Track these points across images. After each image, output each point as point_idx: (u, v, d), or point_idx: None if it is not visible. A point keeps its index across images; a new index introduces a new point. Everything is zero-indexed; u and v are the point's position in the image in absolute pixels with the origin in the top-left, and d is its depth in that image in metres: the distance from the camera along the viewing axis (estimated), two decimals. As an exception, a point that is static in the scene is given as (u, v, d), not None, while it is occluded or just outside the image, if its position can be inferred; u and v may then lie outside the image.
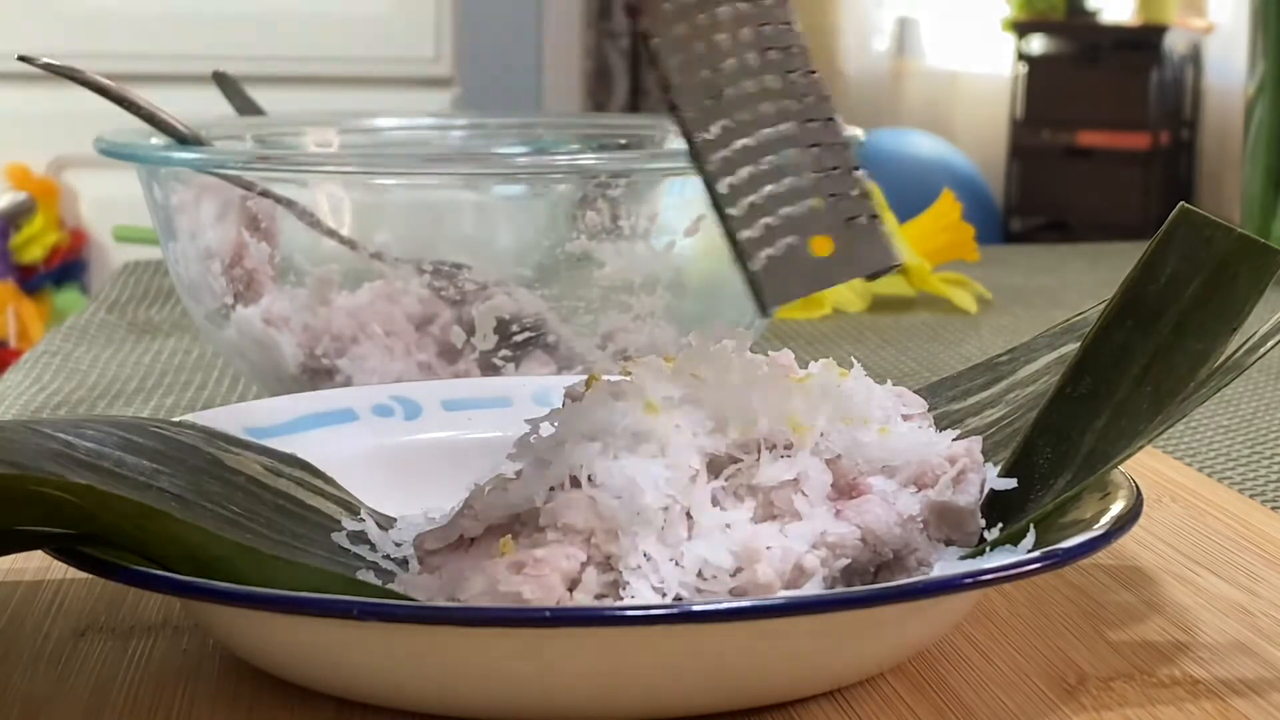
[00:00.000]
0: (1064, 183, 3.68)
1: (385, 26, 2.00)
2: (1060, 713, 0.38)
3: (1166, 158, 3.67)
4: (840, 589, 0.39)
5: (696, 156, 0.37)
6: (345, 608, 0.34)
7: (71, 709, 0.38)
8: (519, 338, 0.61)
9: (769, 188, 0.37)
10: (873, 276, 0.39)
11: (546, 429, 0.42)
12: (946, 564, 0.40)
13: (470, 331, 0.61)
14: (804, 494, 0.40)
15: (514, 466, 0.41)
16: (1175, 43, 3.68)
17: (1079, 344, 0.45)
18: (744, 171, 0.37)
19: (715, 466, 0.40)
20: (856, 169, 0.39)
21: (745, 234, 0.36)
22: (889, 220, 0.93)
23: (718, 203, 0.37)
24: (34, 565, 0.46)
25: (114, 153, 0.63)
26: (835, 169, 0.38)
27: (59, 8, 1.96)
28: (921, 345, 0.83)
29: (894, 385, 0.45)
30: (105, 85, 0.62)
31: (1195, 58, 3.76)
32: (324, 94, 1.91)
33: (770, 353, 0.45)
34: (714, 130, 0.37)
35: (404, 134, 0.80)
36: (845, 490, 0.41)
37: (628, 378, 0.42)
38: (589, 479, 0.39)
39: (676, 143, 0.76)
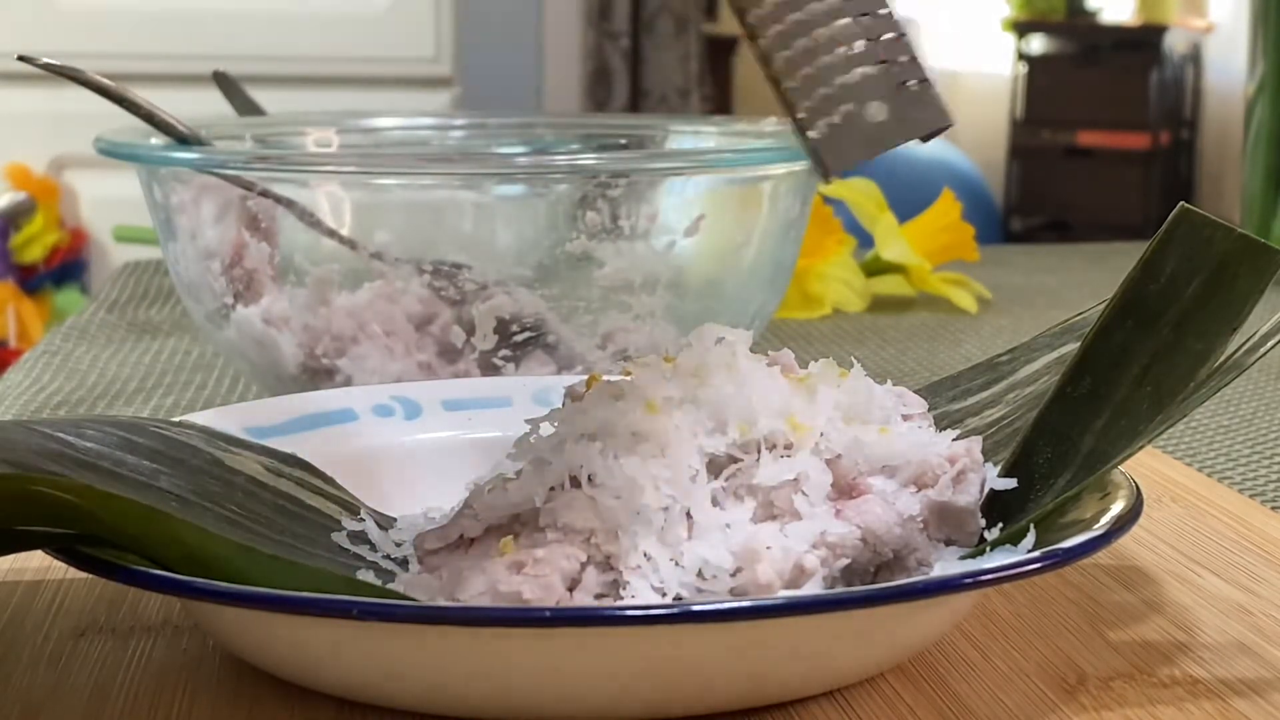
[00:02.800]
0: (1064, 183, 3.69)
1: (385, 26, 2.01)
2: (1060, 713, 0.38)
3: (1166, 158, 3.67)
4: (840, 589, 0.39)
5: (752, 34, 0.37)
6: (345, 608, 0.34)
7: (71, 709, 0.38)
8: (519, 338, 0.61)
9: (823, 58, 0.38)
10: (928, 137, 0.40)
11: (546, 429, 0.42)
12: (946, 564, 0.40)
13: (470, 331, 0.61)
14: (804, 494, 0.40)
15: (514, 466, 0.41)
16: (1175, 43, 3.68)
17: (1079, 344, 0.45)
18: (798, 44, 0.38)
19: (715, 466, 0.40)
20: (904, 34, 0.39)
21: (804, 105, 0.37)
22: (888, 220, 0.93)
23: (775, 77, 0.37)
24: (34, 565, 0.46)
25: (114, 153, 0.63)
26: (884, 35, 0.39)
27: (59, 8, 1.96)
28: (921, 345, 0.83)
29: (894, 385, 0.45)
30: (105, 85, 0.62)
31: (1195, 58, 3.76)
32: (324, 94, 1.91)
33: (770, 353, 0.45)
34: (766, 6, 0.37)
35: (404, 134, 0.80)
36: (845, 490, 0.41)
37: (628, 378, 0.42)
38: (589, 479, 0.39)
39: (677, 143, 0.76)
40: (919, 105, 0.39)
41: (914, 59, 0.39)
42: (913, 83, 0.39)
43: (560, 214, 0.61)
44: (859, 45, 0.38)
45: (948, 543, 0.42)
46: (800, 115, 0.37)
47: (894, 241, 0.93)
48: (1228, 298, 0.43)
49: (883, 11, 0.39)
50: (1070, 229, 3.59)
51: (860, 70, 0.38)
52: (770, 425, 0.41)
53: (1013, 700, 0.38)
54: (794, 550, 0.38)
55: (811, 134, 0.37)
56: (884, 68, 0.39)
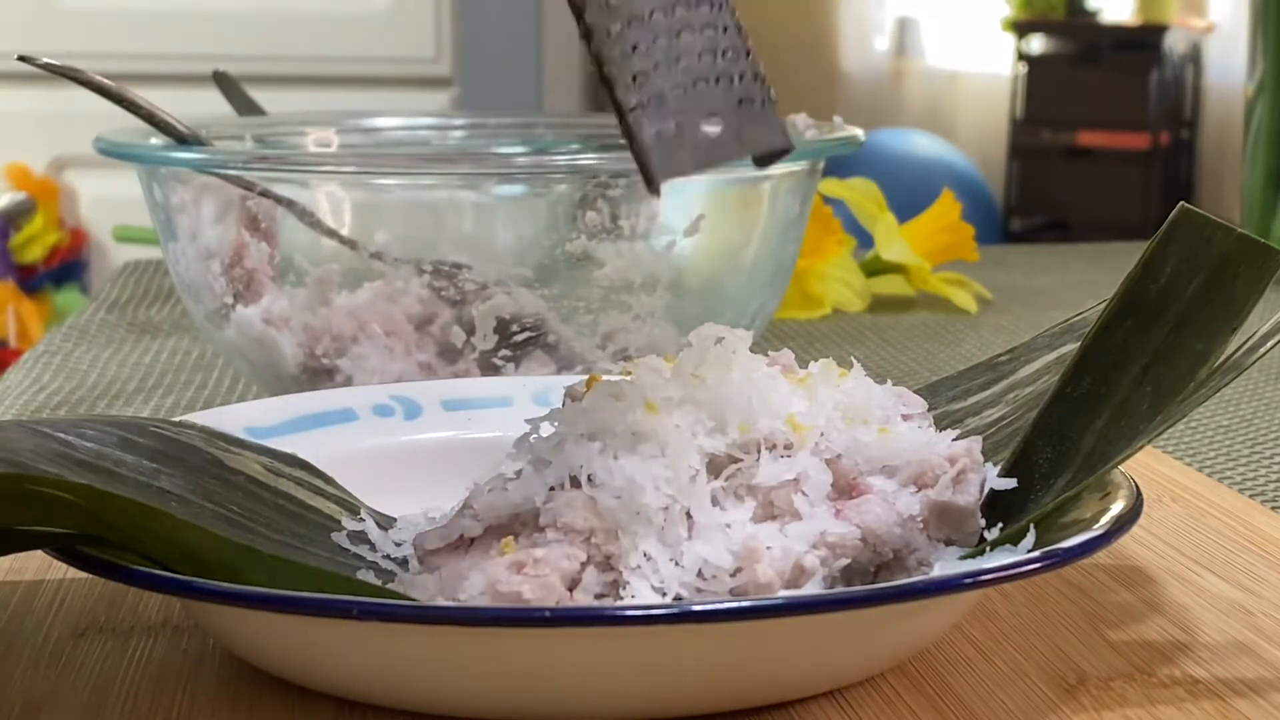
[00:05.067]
0: (1064, 183, 3.69)
1: (385, 26, 2.01)
2: (1060, 713, 0.38)
3: (1166, 158, 3.67)
4: (840, 589, 0.39)
5: (587, 33, 0.35)
6: (345, 608, 0.34)
7: (71, 709, 0.38)
8: (519, 338, 0.61)
9: (662, 67, 0.36)
10: (762, 161, 0.38)
11: (546, 429, 0.42)
12: (946, 564, 0.40)
13: (470, 331, 0.61)
14: (804, 494, 0.40)
15: (514, 466, 0.41)
16: (1175, 43, 3.68)
17: (1079, 344, 0.45)
18: (639, 49, 0.36)
19: (715, 466, 0.40)
20: (751, 52, 0.38)
21: (636, 110, 0.35)
22: (888, 220, 0.93)
23: (608, 77, 0.35)
24: (34, 565, 0.46)
25: (114, 153, 0.63)
26: (729, 51, 0.38)
27: (59, 8, 1.96)
28: (921, 345, 0.83)
29: (894, 385, 0.45)
30: (105, 85, 0.62)
31: (1195, 58, 3.76)
32: (324, 94, 1.91)
33: (770, 353, 0.45)
34: (608, 6, 0.36)
35: (404, 134, 0.80)
36: (845, 490, 0.41)
37: (628, 378, 0.42)
38: (589, 479, 0.39)
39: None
40: (758, 124, 0.38)
41: (759, 77, 0.38)
42: (755, 102, 0.38)
43: (560, 214, 0.61)
44: (702, 58, 0.37)
45: (948, 543, 0.42)
46: (631, 120, 0.35)
47: (894, 241, 0.93)
48: (1228, 298, 0.43)
49: (730, 26, 0.38)
50: (1070, 229, 3.59)
51: (700, 83, 0.37)
52: (770, 425, 0.41)
53: (1013, 700, 0.38)
54: (794, 550, 0.38)
55: (640, 139, 0.36)
56: (726, 83, 0.37)
